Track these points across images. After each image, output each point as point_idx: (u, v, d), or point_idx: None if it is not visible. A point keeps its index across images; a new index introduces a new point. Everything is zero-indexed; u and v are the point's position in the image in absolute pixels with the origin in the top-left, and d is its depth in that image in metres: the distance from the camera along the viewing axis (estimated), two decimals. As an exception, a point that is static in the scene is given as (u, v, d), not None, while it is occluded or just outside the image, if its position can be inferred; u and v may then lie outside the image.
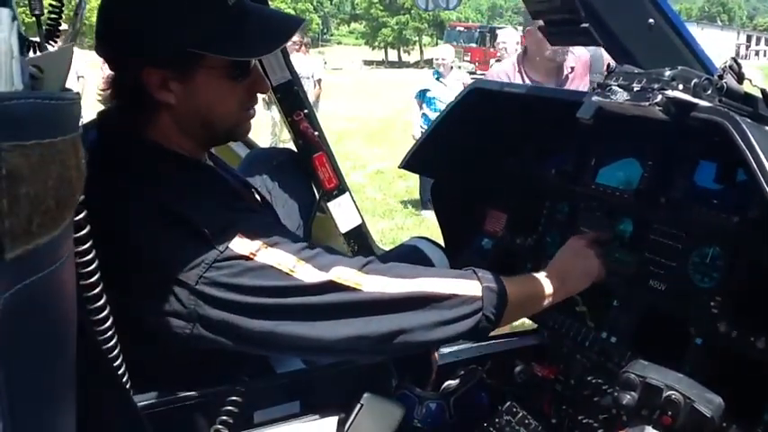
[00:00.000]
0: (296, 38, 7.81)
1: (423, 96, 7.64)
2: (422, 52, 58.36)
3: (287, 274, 1.20)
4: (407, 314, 1.29)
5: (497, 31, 9.47)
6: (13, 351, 0.43)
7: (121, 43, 1.31)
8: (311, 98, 8.15)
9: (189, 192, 1.28)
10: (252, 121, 1.49)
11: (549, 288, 1.57)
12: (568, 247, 1.75)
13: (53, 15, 1.31)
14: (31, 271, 0.45)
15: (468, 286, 1.37)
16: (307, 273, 1.22)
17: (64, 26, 1.04)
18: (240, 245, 1.20)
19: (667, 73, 1.41)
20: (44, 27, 1.23)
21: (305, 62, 8.31)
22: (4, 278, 0.42)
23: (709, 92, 1.42)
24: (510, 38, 7.17)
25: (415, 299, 1.30)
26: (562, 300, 1.62)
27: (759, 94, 1.50)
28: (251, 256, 1.19)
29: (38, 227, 0.44)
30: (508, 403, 1.93)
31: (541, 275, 1.60)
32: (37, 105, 0.44)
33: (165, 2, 1.29)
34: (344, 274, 1.25)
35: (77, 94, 0.49)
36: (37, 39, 0.79)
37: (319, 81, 8.92)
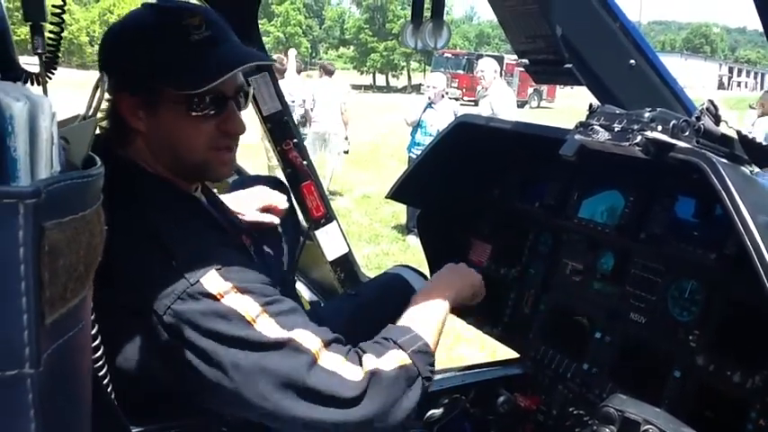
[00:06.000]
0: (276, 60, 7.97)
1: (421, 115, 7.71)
2: (410, 78, 58.76)
3: (248, 322, 1.18)
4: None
5: (477, 60, 9.69)
6: (50, 402, 0.47)
7: (104, 66, 1.33)
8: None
9: (169, 217, 1.27)
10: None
11: (446, 305, 1.53)
12: (444, 268, 1.73)
13: (52, 48, 1.35)
14: (65, 331, 0.49)
15: (401, 360, 1.33)
16: (268, 326, 1.20)
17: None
18: (211, 282, 1.18)
19: (647, 114, 1.46)
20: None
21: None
22: (45, 341, 0.46)
23: (687, 133, 1.47)
24: (488, 66, 7.35)
25: (363, 389, 1.25)
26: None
27: (735, 135, 1.55)
28: (219, 297, 1.18)
29: (71, 292, 0.49)
30: (491, 433, 1.95)
31: (436, 300, 1.54)
32: (72, 185, 0.48)
33: (132, 32, 1.32)
34: (306, 337, 1.23)
35: (102, 166, 0.53)
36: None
37: (303, 102, 9.18)
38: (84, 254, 0.50)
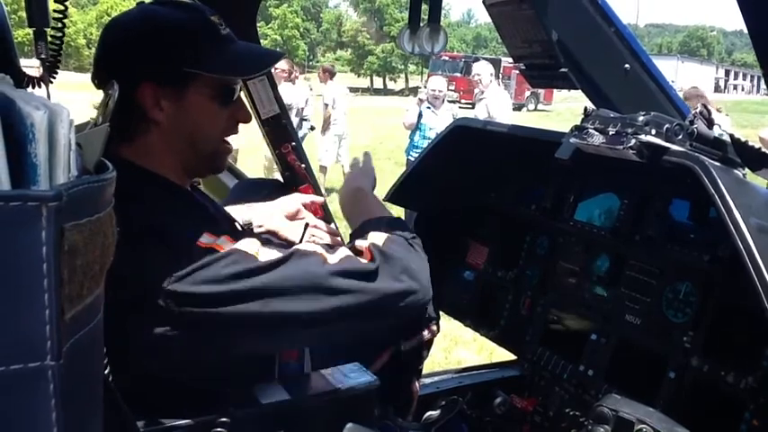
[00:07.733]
0: (285, 66, 8.04)
1: (419, 118, 7.76)
2: (407, 80, 58.85)
3: (253, 256, 1.23)
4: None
5: (472, 64, 9.84)
6: (68, 392, 0.50)
7: (123, 61, 1.35)
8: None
9: (164, 209, 1.30)
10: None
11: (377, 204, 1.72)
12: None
13: (53, 52, 1.36)
14: (82, 326, 0.52)
15: (384, 236, 1.44)
16: (271, 254, 1.26)
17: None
18: (206, 239, 1.24)
19: (641, 118, 1.48)
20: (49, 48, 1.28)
21: (293, 91, 8.53)
22: (65, 335, 0.49)
23: (681, 136, 1.49)
24: (483, 70, 7.43)
25: (377, 263, 1.35)
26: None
27: (728, 139, 1.57)
28: (217, 248, 1.23)
29: (87, 290, 0.52)
30: (488, 434, 1.97)
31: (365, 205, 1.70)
32: (88, 189, 0.52)
33: (164, 25, 1.36)
34: (308, 247, 1.31)
35: (114, 170, 0.56)
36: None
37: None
38: (99, 254, 0.53)
